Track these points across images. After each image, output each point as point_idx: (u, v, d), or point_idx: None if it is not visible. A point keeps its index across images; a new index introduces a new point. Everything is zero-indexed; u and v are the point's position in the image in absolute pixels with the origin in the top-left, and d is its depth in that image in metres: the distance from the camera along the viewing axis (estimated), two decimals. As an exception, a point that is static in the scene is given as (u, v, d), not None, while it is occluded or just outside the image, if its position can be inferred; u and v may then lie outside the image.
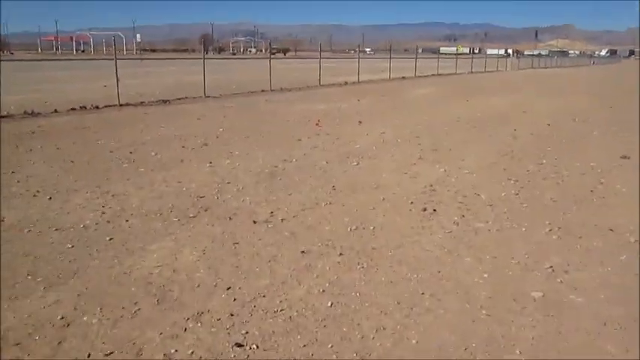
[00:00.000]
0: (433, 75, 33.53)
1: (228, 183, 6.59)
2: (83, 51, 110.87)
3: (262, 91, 19.67)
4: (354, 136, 10.22)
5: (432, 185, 6.57)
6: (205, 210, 5.50)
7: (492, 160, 8.20)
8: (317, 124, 11.51)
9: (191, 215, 5.31)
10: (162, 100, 15.95)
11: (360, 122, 12.03)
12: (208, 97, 17.24)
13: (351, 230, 4.91)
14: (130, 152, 8.48)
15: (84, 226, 4.97)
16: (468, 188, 6.47)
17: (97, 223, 5.04)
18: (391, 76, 28.67)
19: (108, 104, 14.77)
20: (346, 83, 24.39)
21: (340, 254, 4.32)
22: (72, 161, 7.76)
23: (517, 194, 6.24)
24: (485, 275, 3.93)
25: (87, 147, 8.89)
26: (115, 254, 4.30)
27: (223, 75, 29.65)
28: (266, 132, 10.53)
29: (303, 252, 4.35)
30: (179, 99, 16.61)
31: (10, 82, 21.59)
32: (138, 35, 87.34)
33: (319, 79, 22.98)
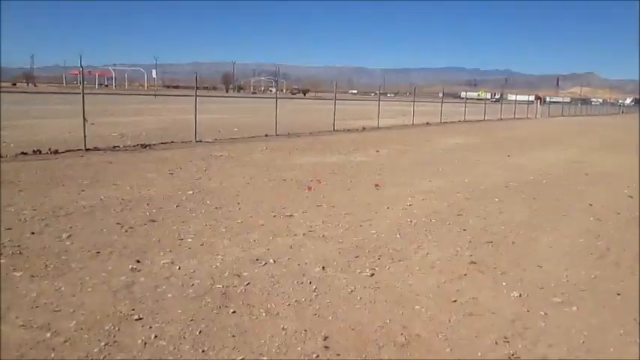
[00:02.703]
0: (460, 121, 30.67)
1: (137, 319, 3.64)
2: (106, 85, 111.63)
3: (266, 135, 16.96)
4: (369, 209, 7.27)
5: (507, 339, 3.53)
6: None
7: (587, 269, 5.14)
8: (309, 189, 8.59)
9: None
10: (142, 145, 13.26)
11: (377, 185, 9.08)
12: (199, 141, 14.52)
13: None
14: (33, 232, 5.61)
15: None
16: (580, 353, 3.41)
17: None
18: (414, 122, 25.87)
19: (73, 148, 12.09)
20: (364, 129, 21.62)
21: None
22: None
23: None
24: None
25: (-21, 219, 6.04)
26: None
27: (230, 115, 27.28)
28: (248, 199, 7.63)
29: None
30: (164, 143, 13.93)
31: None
32: (153, 71, 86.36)
33: (333, 124, 20.22)
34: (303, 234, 5.93)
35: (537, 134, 25.12)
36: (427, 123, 27.02)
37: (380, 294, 4.26)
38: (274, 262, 4.94)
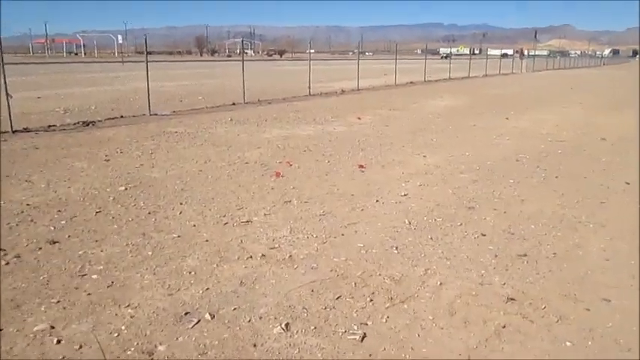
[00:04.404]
0: (445, 79, 28.85)
1: None
2: (77, 54, 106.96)
3: (233, 104, 15.02)
4: (353, 205, 5.55)
5: None
6: None
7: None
8: (277, 175, 6.84)
9: None
10: (84, 122, 11.30)
11: (362, 167, 7.34)
12: (155, 115, 12.56)
13: None
14: None
15: None
16: None
17: None
18: (397, 81, 23.99)
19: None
20: (343, 91, 19.74)
21: None
22: None
23: None
24: None
25: None
26: None
27: (198, 81, 25.12)
28: (195, 196, 5.85)
29: None
30: (111, 119, 11.99)
31: None
32: (119, 37, 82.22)
33: (309, 88, 18.28)
34: (262, 255, 4.19)
35: (529, 91, 23.48)
36: (411, 82, 25.19)
37: (378, 386, 2.56)
38: (212, 317, 3.21)
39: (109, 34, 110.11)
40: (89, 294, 3.53)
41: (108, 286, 3.65)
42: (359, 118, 12.35)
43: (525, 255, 4.22)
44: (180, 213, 5.27)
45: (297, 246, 4.39)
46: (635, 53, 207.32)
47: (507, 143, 9.42)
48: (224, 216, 5.17)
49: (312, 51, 19.75)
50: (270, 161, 7.69)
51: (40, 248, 4.34)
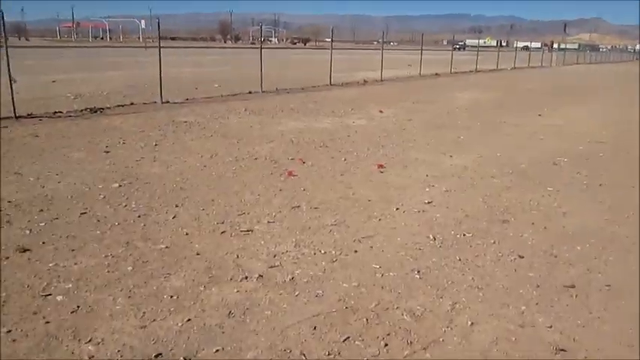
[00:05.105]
0: (471, 71, 27.82)
1: None
2: (102, 38, 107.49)
3: (249, 92, 14.38)
4: (370, 213, 4.89)
5: None
6: None
7: None
8: (290, 174, 6.20)
9: None
10: (91, 109, 10.79)
11: (381, 167, 6.66)
12: (166, 102, 12.00)
13: None
14: None
15: None
16: None
17: None
18: (422, 72, 23.10)
19: (2, 115, 9.63)
20: (365, 82, 18.97)
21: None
22: None
23: None
24: None
25: None
26: None
27: (217, 68, 24.59)
28: (194, 196, 5.25)
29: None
30: (121, 106, 11.45)
31: None
32: (143, 22, 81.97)
33: (330, 77, 17.55)
34: (259, 275, 3.56)
35: (562, 85, 22.40)
36: (436, 74, 24.27)
37: None
38: (187, 363, 2.59)
39: (135, 19, 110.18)
40: (47, 322, 2.95)
41: (72, 312, 3.06)
42: (381, 111, 11.63)
43: (573, 286, 3.52)
44: (174, 217, 4.67)
45: (301, 265, 3.75)
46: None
47: (542, 143, 8.63)
48: (222, 223, 4.55)
49: (332, 39, 18.95)
50: (281, 157, 7.06)
51: (8, 258, 3.79)
